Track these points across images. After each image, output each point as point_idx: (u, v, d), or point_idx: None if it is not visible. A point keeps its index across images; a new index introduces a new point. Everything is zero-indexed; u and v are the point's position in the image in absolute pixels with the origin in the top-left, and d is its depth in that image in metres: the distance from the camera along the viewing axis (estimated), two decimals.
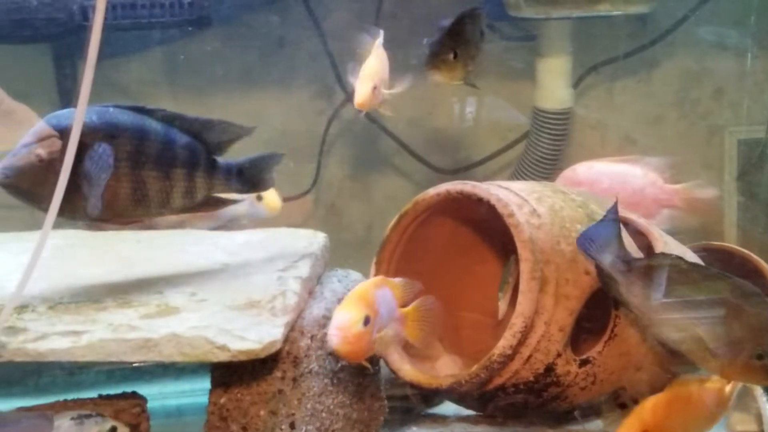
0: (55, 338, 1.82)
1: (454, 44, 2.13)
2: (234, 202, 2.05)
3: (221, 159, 1.98)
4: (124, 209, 1.88)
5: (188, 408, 2.48)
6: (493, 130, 2.91)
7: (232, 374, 1.87)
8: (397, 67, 2.64)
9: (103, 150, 1.80)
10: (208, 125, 1.95)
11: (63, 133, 1.77)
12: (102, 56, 2.74)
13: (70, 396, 1.97)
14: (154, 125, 1.89)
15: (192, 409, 2.45)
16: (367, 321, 1.78)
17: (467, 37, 2.15)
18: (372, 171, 2.93)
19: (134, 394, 1.99)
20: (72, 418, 1.65)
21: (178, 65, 2.78)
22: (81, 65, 2.67)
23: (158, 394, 2.36)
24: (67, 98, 2.67)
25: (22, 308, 1.86)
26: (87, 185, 1.81)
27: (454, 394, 2.04)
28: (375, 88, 2.21)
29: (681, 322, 1.77)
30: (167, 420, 2.37)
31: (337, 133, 2.86)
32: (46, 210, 1.72)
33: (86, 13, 2.40)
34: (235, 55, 2.78)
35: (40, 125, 1.81)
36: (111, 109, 1.86)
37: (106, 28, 2.33)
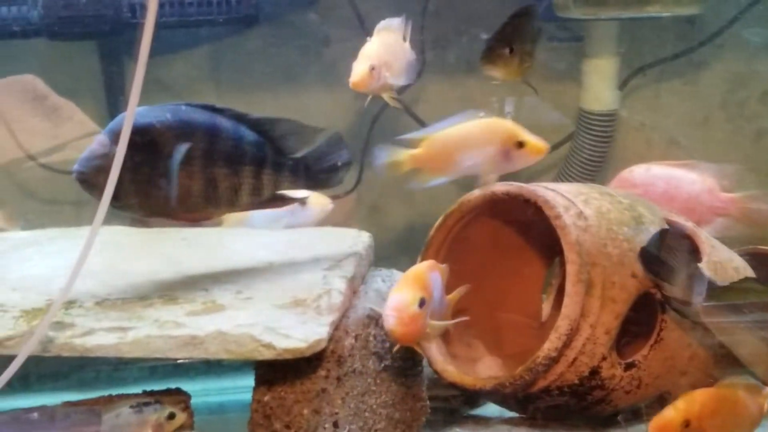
0: (101, 334, 1.83)
1: (511, 40, 2.11)
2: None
3: (288, 157, 1.99)
4: (194, 206, 1.90)
5: (230, 405, 2.49)
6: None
7: (276, 372, 1.87)
8: (443, 66, 2.65)
9: (177, 148, 1.82)
10: (276, 124, 1.96)
11: (137, 129, 1.79)
12: (149, 53, 2.77)
13: (113, 391, 1.99)
14: (224, 123, 1.91)
15: (234, 406, 2.47)
16: (422, 303, 1.77)
17: (523, 33, 2.13)
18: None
19: (178, 390, 2.01)
20: (131, 406, 1.67)
21: (223, 63, 2.79)
22: (128, 62, 2.70)
23: (200, 391, 2.36)
24: (114, 95, 2.69)
25: (69, 304, 1.88)
26: (160, 182, 1.83)
27: (497, 395, 2.03)
28: (374, 69, 2.11)
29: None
30: (209, 417, 2.38)
31: (380, 133, 2.86)
32: (117, 207, 1.74)
33: (134, 11, 2.42)
34: (281, 53, 2.79)
35: (114, 123, 1.84)
36: (183, 108, 1.88)
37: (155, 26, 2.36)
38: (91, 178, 1.83)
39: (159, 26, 2.22)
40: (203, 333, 1.80)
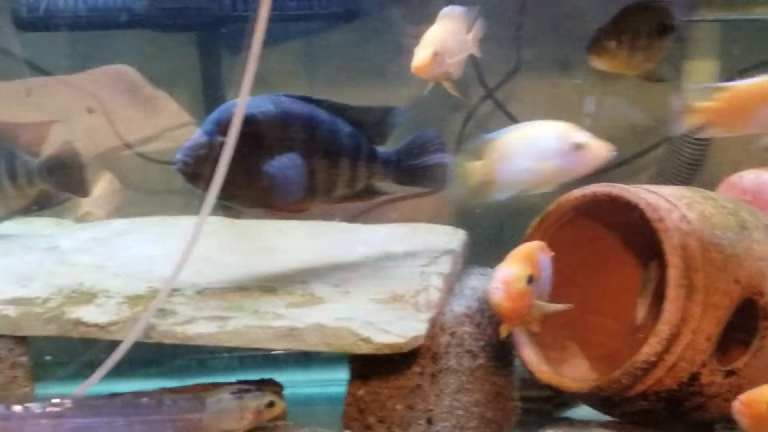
0: (202, 322, 1.86)
1: (619, 33, 2.08)
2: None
3: (381, 148, 2.00)
4: (293, 197, 1.91)
5: (317, 397, 2.50)
6: (630, 132, 2.86)
7: (371, 367, 1.88)
8: (537, 64, 2.63)
9: (279, 139, 1.84)
10: (369, 113, 1.97)
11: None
12: (243, 45, 2.79)
13: (204, 380, 2.02)
14: (322, 114, 1.93)
15: (321, 399, 2.48)
16: (530, 280, 1.75)
17: (635, 27, 2.10)
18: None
19: (271, 381, 2.02)
20: (232, 392, 1.69)
21: (316, 57, 2.80)
22: (225, 55, 2.73)
23: (288, 382, 2.38)
24: (211, 87, 2.71)
25: (171, 292, 1.91)
26: (261, 173, 1.85)
27: (592, 398, 2.02)
28: (437, 54, 2.07)
29: None
30: (297, 408, 2.39)
31: (472, 130, 2.85)
32: (218, 197, 1.76)
33: (236, 4, 2.44)
34: (374, 48, 2.79)
35: (219, 113, 1.86)
36: (283, 98, 1.90)
37: (251, 20, 2.39)
38: (193, 168, 1.85)
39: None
40: (302, 325, 1.82)
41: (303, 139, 1.91)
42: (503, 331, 1.86)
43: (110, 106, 2.75)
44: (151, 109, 2.80)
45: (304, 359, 2.58)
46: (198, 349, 2.59)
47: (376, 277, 2.00)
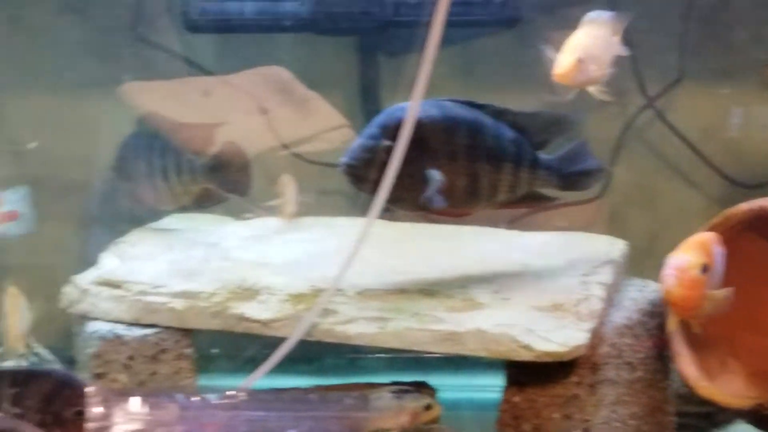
0: (362, 323, 1.88)
1: None
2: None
3: (543, 154, 1.99)
4: (456, 201, 1.93)
5: (465, 402, 2.50)
6: None
7: (528, 374, 1.87)
8: (699, 73, 2.57)
9: (443, 143, 1.85)
10: (533, 118, 1.97)
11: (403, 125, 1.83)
12: (402, 50, 2.79)
13: (351, 379, 2.05)
14: (486, 120, 1.94)
15: (469, 404, 2.47)
16: (705, 269, 1.70)
17: None
18: (661, 179, 2.85)
19: (425, 384, 2.03)
20: (392, 392, 1.71)
21: (473, 63, 2.80)
22: (383, 60, 2.75)
23: (437, 386, 2.39)
24: (367, 91, 2.73)
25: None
26: (426, 177, 1.86)
27: (754, 416, 1.97)
28: (581, 61, 2.00)
29: None
30: (446, 413, 2.40)
31: (629, 138, 2.80)
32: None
33: (399, 9, 2.46)
34: (532, 54, 2.77)
35: (384, 117, 1.88)
36: (448, 103, 1.91)
37: (416, 25, 2.39)
38: (359, 171, 1.88)
39: (421, 25, 2.26)
40: (463, 329, 1.83)
41: (467, 144, 1.92)
42: (671, 324, 1.82)
43: (265, 106, 2.80)
44: (305, 111, 2.84)
45: (452, 363, 2.57)
46: (347, 349, 2.63)
47: (536, 284, 1.99)
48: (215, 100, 2.56)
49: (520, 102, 2.77)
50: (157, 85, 2.61)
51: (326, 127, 2.80)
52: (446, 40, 2.75)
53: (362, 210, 2.47)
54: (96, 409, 1.50)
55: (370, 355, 2.65)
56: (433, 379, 2.45)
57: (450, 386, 2.53)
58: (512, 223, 2.42)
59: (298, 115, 2.84)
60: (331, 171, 2.61)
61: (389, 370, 2.59)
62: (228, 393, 1.58)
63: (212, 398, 1.57)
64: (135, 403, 1.51)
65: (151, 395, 1.53)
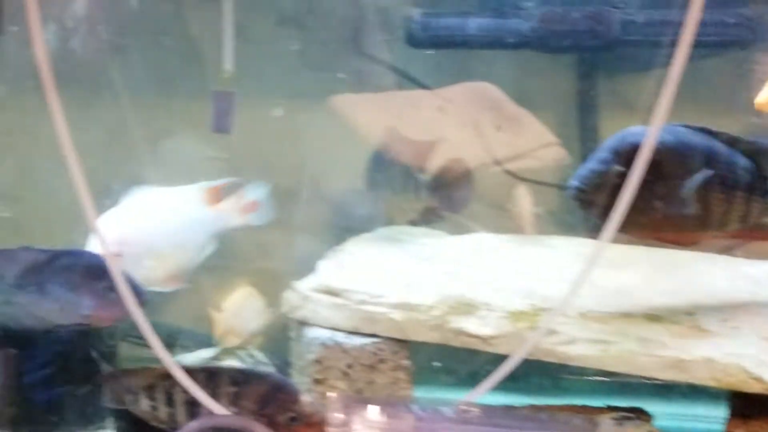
0: (584, 344, 1.87)
1: None
2: None
3: None
4: (686, 229, 1.89)
5: (674, 430, 2.44)
6: None
7: (754, 407, 1.82)
8: None
9: (676, 169, 1.83)
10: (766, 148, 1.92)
11: (636, 149, 1.80)
12: (624, 70, 2.75)
13: (555, 401, 2.02)
14: (719, 147, 1.90)
15: None
16: None
17: None
18: None
19: (642, 411, 1.99)
20: (614, 418, 1.69)
21: (690, 85, 2.73)
22: (602, 79, 2.71)
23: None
24: (584, 110, 2.70)
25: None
26: (656, 202, 1.84)
27: None
28: None
29: None
30: None
31: None
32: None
33: (627, 28, 2.44)
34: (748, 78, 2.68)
35: (615, 141, 1.87)
36: (682, 129, 1.88)
37: (643, 44, 2.35)
38: (589, 195, 1.87)
39: (649, 44, 2.21)
40: (689, 357, 1.79)
41: (700, 171, 1.88)
42: None
43: (474, 122, 2.81)
44: (515, 127, 2.83)
45: (662, 390, 2.51)
46: (553, 368, 2.61)
47: (765, 313, 1.92)
48: (434, 116, 2.59)
49: (728, 124, 2.71)
50: (368, 98, 2.66)
51: (537, 144, 2.79)
52: (664, 61, 2.70)
53: (569, 229, 2.45)
54: (337, 415, 1.53)
55: (574, 377, 2.61)
56: (639, 405, 2.41)
57: (661, 414, 2.48)
58: (729, 251, 2.35)
59: (507, 133, 2.84)
60: (540, 189, 2.61)
61: (595, 394, 2.55)
62: (462, 407, 1.59)
63: (446, 411, 1.58)
64: (373, 411, 1.54)
65: (388, 404, 1.56)
